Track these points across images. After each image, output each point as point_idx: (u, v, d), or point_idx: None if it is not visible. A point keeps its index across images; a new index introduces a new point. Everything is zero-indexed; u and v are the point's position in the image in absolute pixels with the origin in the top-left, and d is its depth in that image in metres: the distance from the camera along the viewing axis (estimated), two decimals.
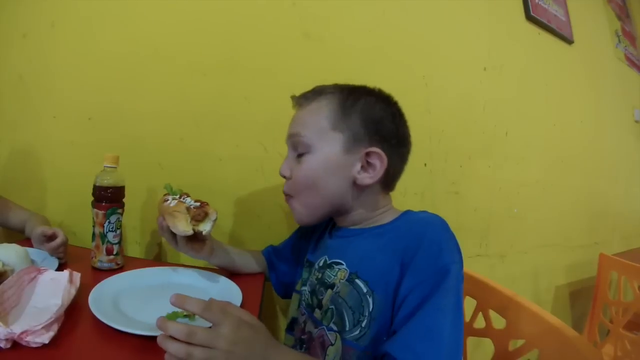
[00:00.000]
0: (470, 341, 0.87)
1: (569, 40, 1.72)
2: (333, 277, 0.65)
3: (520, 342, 0.71)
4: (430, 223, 0.62)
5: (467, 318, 0.87)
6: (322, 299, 0.65)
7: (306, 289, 0.72)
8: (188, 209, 0.67)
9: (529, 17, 1.53)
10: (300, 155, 0.67)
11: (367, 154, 0.64)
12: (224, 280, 0.76)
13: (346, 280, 0.62)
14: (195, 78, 0.97)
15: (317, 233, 0.81)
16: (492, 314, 0.81)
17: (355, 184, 0.66)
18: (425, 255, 0.56)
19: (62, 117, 0.96)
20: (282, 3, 1.02)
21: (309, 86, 1.02)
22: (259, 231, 1.02)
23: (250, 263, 0.87)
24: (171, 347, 0.43)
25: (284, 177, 0.71)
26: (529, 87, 1.54)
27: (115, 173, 0.76)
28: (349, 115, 0.65)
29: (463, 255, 0.60)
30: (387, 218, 0.68)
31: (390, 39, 1.15)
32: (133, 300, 0.65)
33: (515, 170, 1.47)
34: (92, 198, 0.76)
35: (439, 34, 1.26)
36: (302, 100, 0.71)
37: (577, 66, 1.79)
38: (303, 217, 0.71)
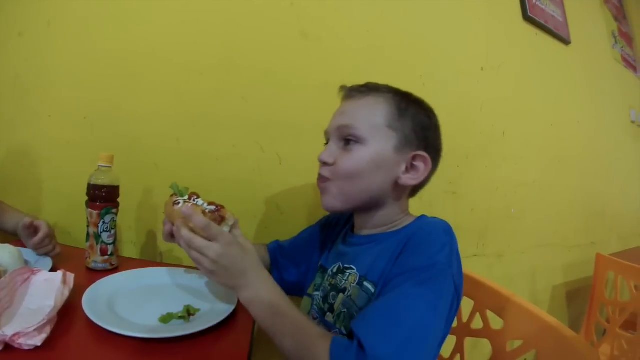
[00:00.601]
0: (468, 342, 0.87)
1: (566, 41, 1.72)
2: (344, 281, 0.67)
3: (518, 343, 0.71)
4: (434, 224, 0.64)
5: (465, 318, 0.86)
6: (334, 303, 0.67)
7: (319, 294, 0.72)
8: (204, 212, 0.62)
9: (527, 18, 1.53)
10: (348, 143, 0.67)
11: (414, 157, 0.66)
12: None
13: (356, 283, 0.64)
14: (192, 77, 0.97)
15: (331, 239, 0.82)
16: (490, 314, 0.81)
17: (395, 183, 0.67)
18: (414, 248, 0.59)
19: (57, 116, 0.95)
20: (280, 2, 1.02)
21: (307, 86, 1.04)
22: (256, 231, 1.02)
23: None
24: (181, 241, 0.58)
25: (325, 163, 0.69)
26: (527, 87, 1.54)
27: (109, 172, 0.76)
28: (404, 117, 0.66)
29: (461, 254, 0.60)
30: (404, 224, 0.69)
31: (389, 38, 1.15)
32: (128, 302, 0.64)
33: (513, 170, 1.47)
34: (87, 198, 0.75)
35: (436, 33, 1.26)
36: (355, 92, 0.71)
37: (574, 67, 1.80)
38: (336, 203, 0.69)
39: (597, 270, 1.47)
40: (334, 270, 0.71)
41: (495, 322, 0.81)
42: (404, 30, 1.18)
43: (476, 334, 0.83)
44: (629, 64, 2.30)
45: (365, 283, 0.62)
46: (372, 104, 0.68)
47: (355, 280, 0.65)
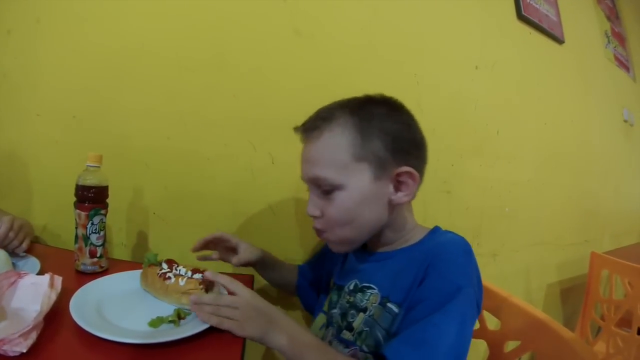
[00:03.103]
0: None
1: (559, 40, 1.72)
2: (365, 301, 0.66)
3: (515, 344, 0.71)
4: (452, 244, 0.62)
5: None
6: (353, 321, 0.66)
7: (336, 311, 0.71)
8: (200, 283, 0.65)
9: (521, 17, 1.53)
10: (328, 192, 0.63)
11: (398, 174, 0.63)
12: None
13: (378, 304, 0.63)
14: (183, 75, 0.95)
15: (342, 256, 0.80)
16: (486, 314, 0.81)
17: (390, 205, 0.65)
18: (437, 273, 0.57)
19: (46, 115, 0.94)
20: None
21: (300, 84, 1.02)
22: (248, 231, 1.00)
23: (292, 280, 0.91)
24: (205, 307, 0.58)
25: (314, 217, 0.67)
26: (521, 86, 1.54)
27: (98, 172, 0.74)
28: (369, 140, 0.61)
29: None
30: (416, 237, 0.68)
31: (382, 36, 1.14)
32: (117, 305, 0.63)
33: (507, 169, 1.47)
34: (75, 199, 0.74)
35: (430, 32, 1.26)
36: (310, 132, 0.65)
37: (567, 66, 1.80)
38: (342, 248, 0.70)
39: (592, 269, 1.47)
40: (351, 288, 0.70)
41: (491, 322, 0.81)
42: (397, 28, 1.17)
43: (473, 335, 0.83)
44: (622, 63, 2.31)
45: (388, 304, 0.62)
46: (330, 142, 0.62)
47: (377, 301, 0.64)
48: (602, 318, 1.38)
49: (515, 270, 1.58)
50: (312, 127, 0.65)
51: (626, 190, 2.35)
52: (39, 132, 0.94)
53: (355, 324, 0.65)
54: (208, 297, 0.59)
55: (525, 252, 1.61)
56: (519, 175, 1.53)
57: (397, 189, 0.64)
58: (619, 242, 2.14)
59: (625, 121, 2.27)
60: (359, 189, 0.62)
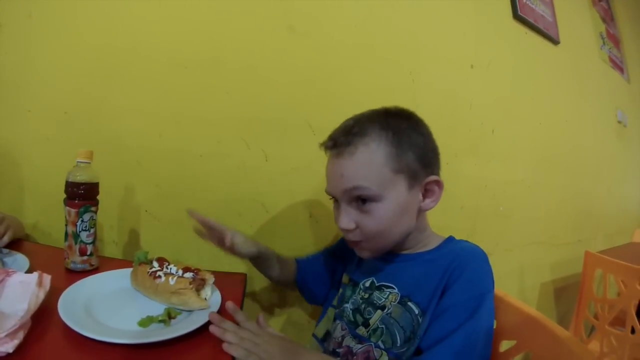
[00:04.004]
0: None
1: (555, 41, 1.73)
2: (384, 299, 0.68)
3: (510, 344, 0.70)
4: (475, 253, 0.67)
5: None
6: (370, 318, 0.68)
7: (348, 306, 0.74)
8: (191, 282, 0.64)
9: (517, 17, 1.53)
10: (363, 204, 0.64)
11: (427, 183, 0.67)
12: None
13: (398, 302, 0.66)
14: (176, 72, 0.94)
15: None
16: None
17: (419, 212, 0.69)
18: (466, 280, 0.62)
19: (37, 111, 0.93)
20: None
21: (294, 81, 1.02)
22: (241, 229, 0.98)
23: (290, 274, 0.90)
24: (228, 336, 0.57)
25: (348, 230, 0.67)
26: (516, 86, 1.54)
27: (88, 169, 0.73)
28: (404, 153, 0.64)
29: None
30: (434, 242, 0.72)
31: (377, 34, 1.14)
32: (106, 305, 0.62)
33: (502, 168, 1.47)
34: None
35: (426, 30, 1.25)
36: (343, 147, 0.65)
37: (562, 66, 1.81)
38: (371, 256, 0.72)
39: (586, 268, 1.48)
40: (367, 285, 0.73)
41: None
42: (393, 27, 1.17)
43: None
44: (616, 65, 2.33)
45: (409, 303, 0.65)
46: (367, 156, 0.63)
47: (396, 299, 0.67)
48: (596, 317, 1.39)
49: (509, 270, 1.59)
50: (345, 143, 0.65)
51: (619, 191, 2.36)
52: (29, 129, 0.92)
53: (372, 321, 0.68)
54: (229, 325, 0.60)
55: (519, 252, 1.61)
56: (513, 175, 1.53)
57: (424, 196, 0.68)
58: (612, 241, 2.15)
59: (619, 122, 2.29)
60: (396, 200, 0.64)
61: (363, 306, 0.71)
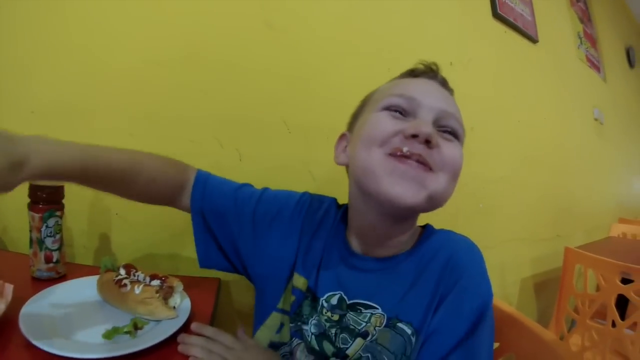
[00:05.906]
0: None
1: (534, 40, 1.75)
2: (364, 323, 0.55)
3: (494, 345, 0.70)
4: (471, 252, 0.58)
5: None
6: (347, 348, 0.54)
7: (308, 329, 0.58)
8: (157, 291, 0.61)
9: (496, 15, 1.54)
10: (446, 133, 0.56)
11: None
12: None
13: (385, 326, 0.54)
14: (149, 69, 0.90)
15: (315, 246, 0.64)
16: None
17: None
18: (464, 289, 0.53)
19: (2, 110, 0.87)
20: None
21: (271, 79, 0.99)
22: None
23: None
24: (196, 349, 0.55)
25: (428, 139, 0.51)
26: (495, 84, 1.55)
27: None
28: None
29: None
30: (413, 239, 0.61)
31: (357, 30, 1.12)
32: (71, 315, 0.59)
33: (482, 166, 1.48)
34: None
35: (405, 27, 1.25)
36: (445, 84, 0.63)
37: (541, 65, 1.83)
38: (419, 198, 0.51)
39: (566, 263, 1.50)
40: (333, 303, 0.58)
41: None
42: (372, 22, 1.16)
43: None
44: (593, 64, 2.38)
45: (399, 325, 0.53)
46: (456, 104, 0.60)
47: (381, 323, 0.54)
48: (576, 311, 1.41)
49: (490, 266, 1.56)
50: (445, 82, 0.63)
51: (597, 187, 2.42)
52: None
53: (350, 351, 0.54)
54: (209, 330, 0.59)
55: (500, 248, 1.62)
56: (493, 173, 1.54)
57: None
58: (590, 236, 2.20)
59: (596, 119, 2.34)
60: (462, 153, 0.58)
61: (333, 331, 0.56)
